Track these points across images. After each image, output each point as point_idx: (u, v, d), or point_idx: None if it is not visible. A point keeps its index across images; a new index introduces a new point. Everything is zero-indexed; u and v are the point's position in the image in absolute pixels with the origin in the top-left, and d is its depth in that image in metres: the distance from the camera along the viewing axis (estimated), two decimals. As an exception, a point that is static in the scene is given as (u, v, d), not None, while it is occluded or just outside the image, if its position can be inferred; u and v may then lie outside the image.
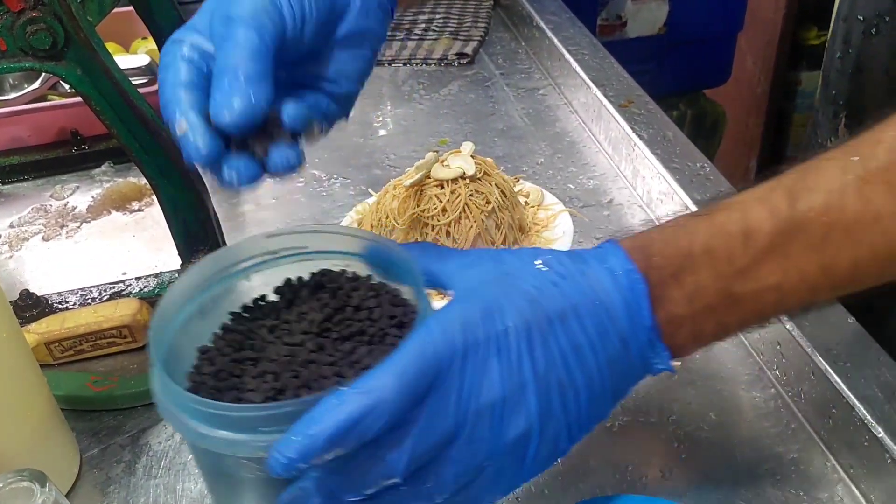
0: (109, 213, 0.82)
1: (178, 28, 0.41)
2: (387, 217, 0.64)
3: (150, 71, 0.90)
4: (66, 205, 0.84)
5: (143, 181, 0.83)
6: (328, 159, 0.88)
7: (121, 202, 0.83)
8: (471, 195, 0.62)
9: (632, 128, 0.79)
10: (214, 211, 0.67)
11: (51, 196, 0.86)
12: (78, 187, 0.87)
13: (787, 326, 0.55)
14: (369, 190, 0.78)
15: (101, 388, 0.60)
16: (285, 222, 0.79)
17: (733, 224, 0.37)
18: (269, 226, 0.78)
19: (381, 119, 0.96)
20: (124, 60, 0.90)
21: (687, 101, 1.67)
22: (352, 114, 1.05)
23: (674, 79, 1.61)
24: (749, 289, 0.37)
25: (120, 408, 0.59)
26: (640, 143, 0.77)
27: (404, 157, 0.88)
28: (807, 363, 0.53)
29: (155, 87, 0.87)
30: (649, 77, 1.53)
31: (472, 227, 0.61)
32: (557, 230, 0.66)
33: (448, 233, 0.62)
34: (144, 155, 0.61)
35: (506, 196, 0.64)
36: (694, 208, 0.67)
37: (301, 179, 0.85)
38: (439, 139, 0.90)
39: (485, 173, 0.63)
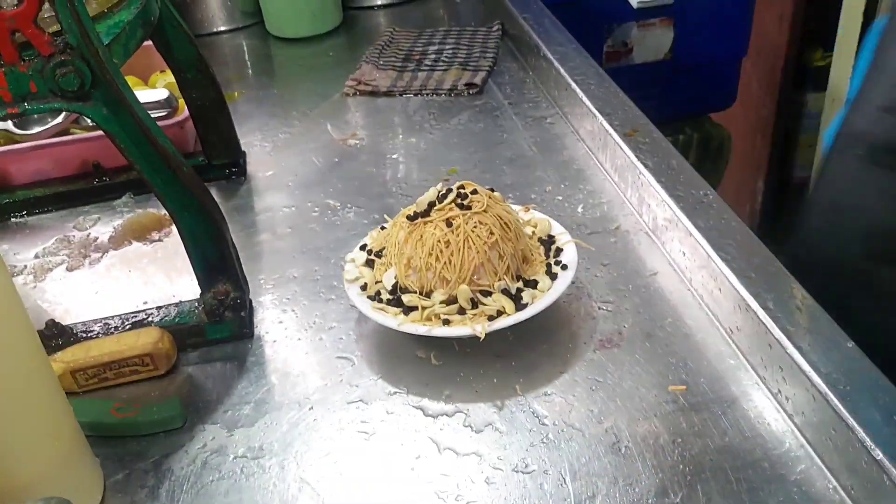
0: (130, 243, 0.84)
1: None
2: (393, 247, 0.67)
3: (168, 104, 0.93)
4: (88, 235, 0.86)
5: (162, 212, 0.86)
6: (342, 189, 0.91)
7: (141, 233, 0.85)
8: (474, 227, 0.64)
9: (637, 156, 0.81)
10: (233, 241, 0.69)
11: (73, 227, 0.88)
12: (99, 218, 0.90)
13: (790, 352, 0.56)
14: (384, 216, 0.80)
15: (124, 414, 0.62)
16: (301, 251, 0.81)
17: None
18: (285, 255, 0.81)
19: (393, 149, 0.99)
20: (144, 94, 0.93)
21: (693, 125, 1.69)
22: (365, 143, 1.05)
23: (680, 103, 1.63)
24: None
25: (143, 434, 0.61)
26: (646, 171, 0.78)
27: (416, 185, 0.90)
28: (808, 387, 0.55)
29: (174, 120, 0.91)
30: (655, 102, 1.55)
31: (473, 257, 0.63)
32: (562, 260, 0.68)
33: (450, 261, 0.64)
34: (166, 189, 0.63)
35: (509, 228, 0.66)
36: (697, 235, 0.69)
37: (316, 209, 0.87)
38: (449, 168, 0.93)
39: (487, 206, 0.65)
